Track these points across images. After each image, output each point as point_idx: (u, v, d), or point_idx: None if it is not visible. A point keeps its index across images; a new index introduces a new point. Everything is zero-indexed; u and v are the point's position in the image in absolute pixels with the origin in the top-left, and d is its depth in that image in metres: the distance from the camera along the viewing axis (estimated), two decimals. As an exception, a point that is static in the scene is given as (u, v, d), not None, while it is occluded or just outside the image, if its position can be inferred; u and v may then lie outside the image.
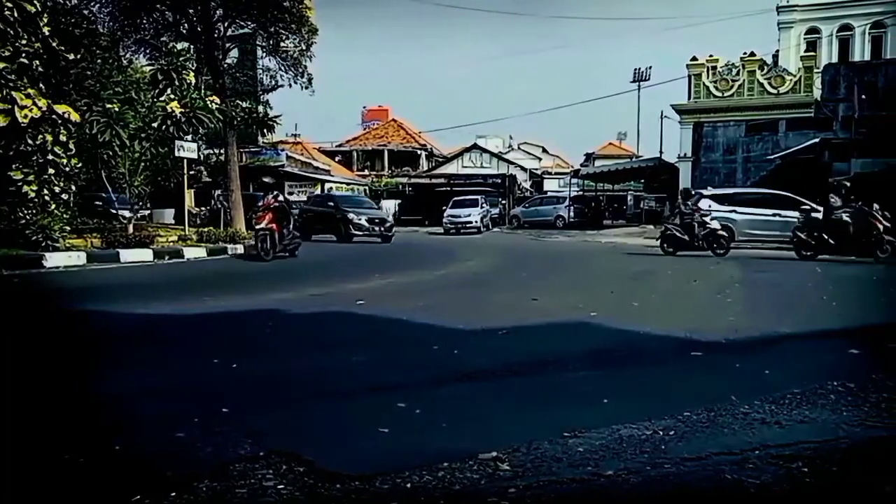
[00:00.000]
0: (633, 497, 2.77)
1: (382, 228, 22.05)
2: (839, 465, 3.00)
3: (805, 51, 36.45)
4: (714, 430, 3.52)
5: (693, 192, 19.53)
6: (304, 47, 22.17)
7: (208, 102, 16.97)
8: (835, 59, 34.87)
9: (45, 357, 5.12)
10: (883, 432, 3.48)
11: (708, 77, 34.05)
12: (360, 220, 21.76)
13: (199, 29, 20.81)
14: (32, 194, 12.01)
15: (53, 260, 11.60)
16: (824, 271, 12.39)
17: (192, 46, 21.27)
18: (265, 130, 24.81)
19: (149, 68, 18.56)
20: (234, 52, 25.06)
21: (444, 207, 33.41)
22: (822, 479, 2.85)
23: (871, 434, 3.45)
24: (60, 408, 3.89)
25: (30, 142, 11.90)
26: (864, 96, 21.28)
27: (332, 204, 23.52)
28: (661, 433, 3.43)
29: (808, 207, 18.30)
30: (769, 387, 4.33)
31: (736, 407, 3.89)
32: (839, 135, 23.36)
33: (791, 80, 32.81)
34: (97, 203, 21.61)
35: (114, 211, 20.90)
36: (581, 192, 41.07)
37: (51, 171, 12.18)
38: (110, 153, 15.24)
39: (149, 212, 25.04)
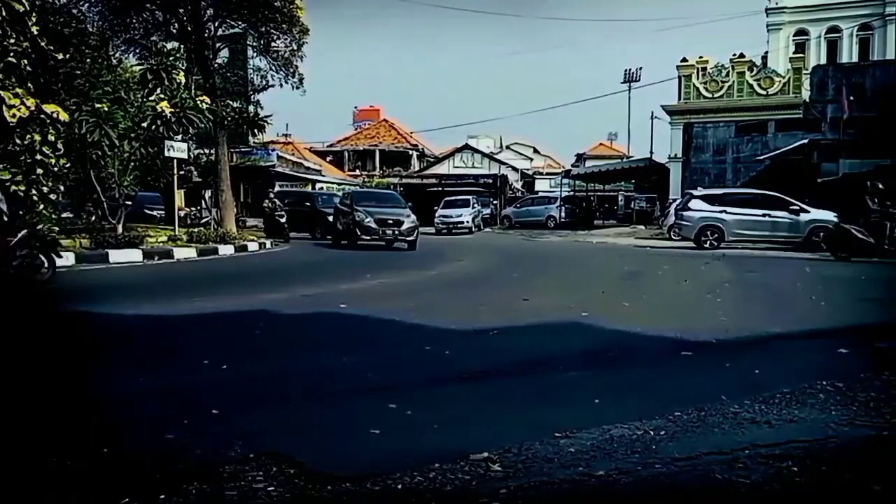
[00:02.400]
0: (624, 497, 2.78)
1: (398, 232, 17.95)
2: (828, 464, 3.02)
3: (794, 52, 36.70)
4: (704, 429, 3.54)
5: (685, 193, 19.64)
6: (294, 47, 22.11)
7: (198, 102, 16.90)
8: (823, 61, 35.11)
9: (32, 359, 5.08)
10: (871, 431, 3.51)
11: (698, 78, 34.24)
12: (367, 221, 17.91)
13: (189, 28, 20.71)
14: (21, 194, 11.90)
15: (42, 260, 11.49)
16: (813, 271, 12.46)
17: (182, 46, 21.16)
18: (256, 130, 24.72)
19: (138, 68, 18.46)
20: (225, 52, 24.97)
21: (436, 208, 33.40)
22: (812, 479, 2.87)
23: (859, 433, 3.47)
24: (48, 409, 3.86)
25: (18, 141, 11.80)
26: (851, 98, 21.44)
27: (348, 202, 20.07)
28: (651, 433, 3.44)
29: (796, 207, 18.48)
30: (759, 386, 4.35)
31: (726, 406, 3.91)
32: (828, 136, 23.53)
33: (780, 81, 33.04)
34: (127, 203, 21.57)
35: (147, 212, 20.87)
36: (572, 193, 41.15)
37: (39, 171, 12.07)
38: (99, 153, 15.15)
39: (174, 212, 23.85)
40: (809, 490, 2.78)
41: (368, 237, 17.95)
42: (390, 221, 18.05)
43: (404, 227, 18.07)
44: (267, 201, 23.29)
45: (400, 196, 21.21)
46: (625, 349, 5.76)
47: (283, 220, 22.31)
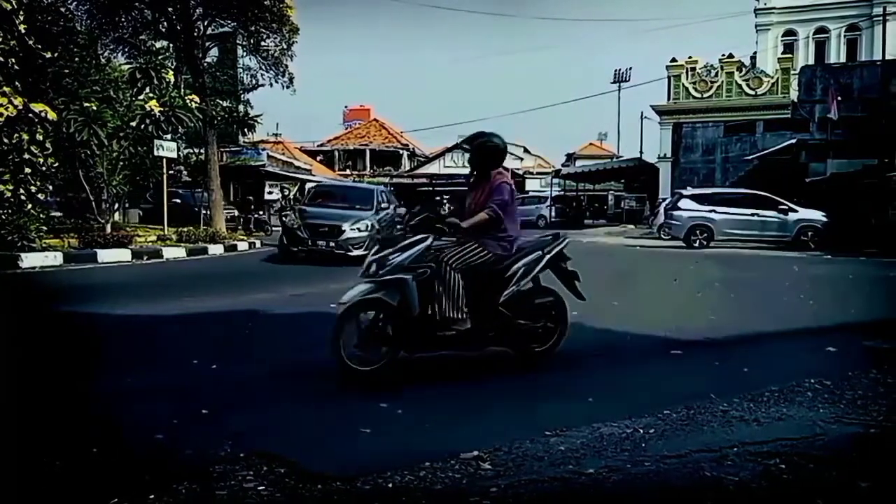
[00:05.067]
0: (613, 495, 2.79)
1: (333, 243, 13.18)
2: (816, 461, 3.04)
3: (782, 53, 36.93)
4: (693, 427, 3.56)
5: (674, 192, 19.71)
6: (284, 46, 22.03)
7: (188, 101, 16.80)
8: (811, 61, 35.35)
9: (20, 359, 5.05)
10: (859, 429, 3.54)
11: (687, 78, 34.39)
12: (296, 226, 13.67)
13: (178, 27, 20.60)
14: (8, 194, 11.81)
15: (30, 260, 11.43)
16: (801, 270, 12.55)
17: (171, 45, 21.06)
18: (246, 130, 24.62)
19: (127, 67, 18.36)
20: (215, 51, 24.86)
21: (427, 207, 33.34)
22: (799, 476, 2.89)
23: (846, 431, 3.50)
24: (37, 410, 3.83)
25: (6, 141, 11.70)
26: (839, 98, 21.60)
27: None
28: (641, 431, 3.46)
29: (785, 207, 18.60)
30: (748, 384, 4.38)
31: (715, 405, 3.93)
32: (815, 136, 23.69)
33: (768, 81, 33.24)
34: (175, 201, 21.54)
35: (196, 210, 20.69)
36: (562, 192, 41.27)
37: (27, 170, 11.98)
38: (88, 152, 15.04)
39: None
40: (797, 487, 2.80)
41: (296, 248, 13.54)
42: (324, 229, 13.34)
43: (344, 237, 13.20)
44: (280, 199, 21.50)
45: (376, 193, 16.04)
46: (614, 348, 5.79)
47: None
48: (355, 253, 12.93)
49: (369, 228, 13.57)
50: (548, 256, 5.08)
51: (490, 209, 4.74)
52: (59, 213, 17.38)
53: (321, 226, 13.47)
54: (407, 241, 4.72)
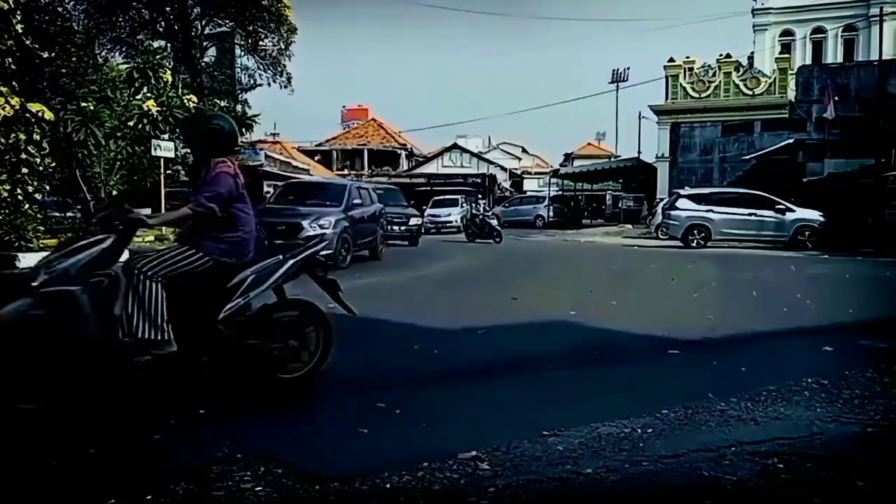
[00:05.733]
0: (611, 495, 2.79)
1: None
2: (813, 461, 3.05)
3: (779, 53, 36.97)
4: (691, 427, 3.56)
5: (672, 192, 19.75)
6: (282, 46, 22.09)
7: (185, 101, 16.82)
8: (808, 62, 35.39)
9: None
10: (856, 428, 3.54)
11: (685, 78, 34.42)
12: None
13: (176, 27, 20.64)
14: (5, 194, 11.80)
15: (27, 260, 11.39)
16: (798, 270, 12.56)
17: (169, 44, 21.07)
18: (243, 129, 24.61)
19: (125, 66, 18.38)
20: (212, 51, 24.89)
21: (425, 207, 33.39)
22: (797, 475, 2.90)
23: (844, 430, 3.51)
24: (34, 410, 3.82)
25: (2, 141, 11.68)
26: (836, 98, 21.64)
27: None
28: (639, 431, 3.46)
29: (782, 207, 18.63)
30: (745, 384, 4.38)
31: (713, 404, 3.93)
32: (813, 135, 23.73)
33: (766, 81, 33.28)
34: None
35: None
36: (560, 192, 41.26)
37: (24, 170, 11.97)
38: (85, 152, 15.05)
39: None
40: (795, 487, 2.81)
41: None
42: (281, 227, 12.01)
43: (303, 235, 11.55)
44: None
45: (348, 189, 14.23)
46: (613, 347, 5.79)
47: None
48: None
49: (333, 225, 12.39)
50: (290, 262, 4.24)
51: (195, 202, 3.92)
52: (57, 213, 17.38)
53: (279, 224, 12.22)
54: (80, 243, 3.82)
